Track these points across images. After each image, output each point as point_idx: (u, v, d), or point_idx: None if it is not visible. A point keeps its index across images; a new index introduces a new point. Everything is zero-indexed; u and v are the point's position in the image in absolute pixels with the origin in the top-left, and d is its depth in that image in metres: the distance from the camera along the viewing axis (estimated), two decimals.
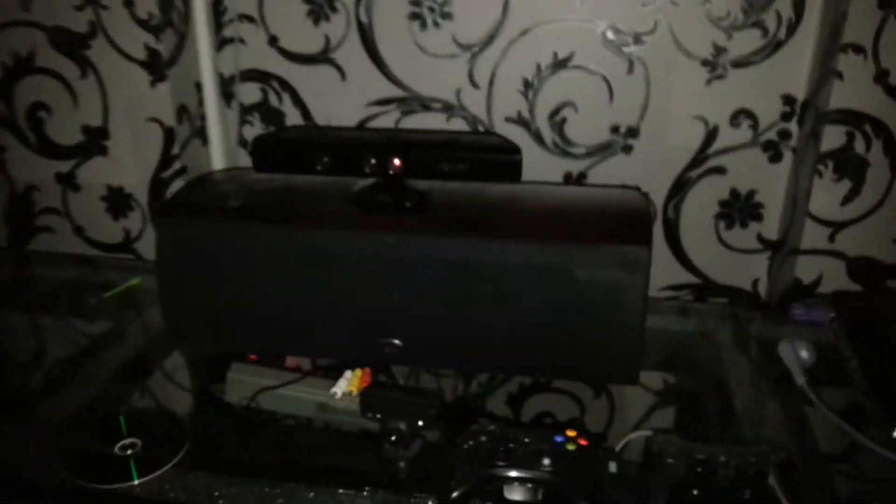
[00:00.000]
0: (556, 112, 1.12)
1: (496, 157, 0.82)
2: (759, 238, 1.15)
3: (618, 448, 0.76)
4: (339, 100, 1.16)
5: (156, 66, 1.12)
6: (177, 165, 1.18)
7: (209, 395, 0.93)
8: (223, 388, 0.94)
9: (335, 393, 0.87)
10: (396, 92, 1.14)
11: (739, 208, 1.14)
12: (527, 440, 0.70)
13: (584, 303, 0.79)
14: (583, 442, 0.70)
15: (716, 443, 0.77)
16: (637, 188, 0.91)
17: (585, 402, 0.88)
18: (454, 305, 0.82)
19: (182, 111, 1.15)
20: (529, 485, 0.68)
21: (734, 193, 1.13)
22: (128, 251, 1.28)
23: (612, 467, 0.71)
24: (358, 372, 0.91)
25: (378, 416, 0.77)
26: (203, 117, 1.18)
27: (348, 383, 0.89)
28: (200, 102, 1.17)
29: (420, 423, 0.75)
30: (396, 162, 0.82)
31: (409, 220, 0.83)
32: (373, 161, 0.82)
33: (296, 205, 0.87)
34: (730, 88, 1.07)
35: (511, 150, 0.83)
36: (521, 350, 0.83)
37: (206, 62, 1.15)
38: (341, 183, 0.90)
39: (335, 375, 0.90)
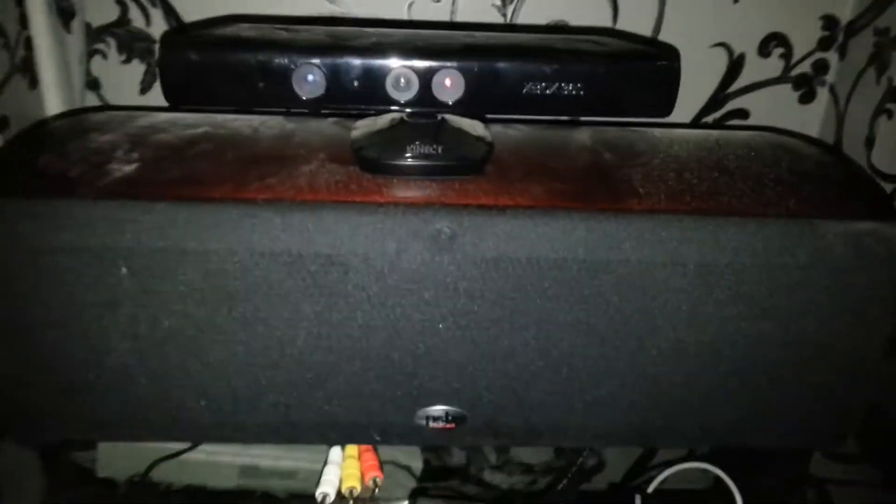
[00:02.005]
0: None
1: (642, 68, 0.50)
2: None
3: None
4: None
5: None
6: None
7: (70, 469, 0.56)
8: (94, 458, 0.58)
9: (325, 496, 0.53)
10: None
11: None
12: None
13: (785, 320, 0.51)
14: None
15: None
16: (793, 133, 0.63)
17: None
18: (558, 340, 0.51)
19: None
20: None
21: None
22: None
23: None
24: (352, 450, 0.58)
25: None
26: (29, 44, 0.78)
27: (344, 473, 0.55)
28: (23, 22, 0.77)
29: None
30: (448, 81, 0.49)
31: (472, 188, 0.51)
32: (403, 81, 0.48)
33: (243, 167, 0.51)
34: (761, 4, 0.84)
35: (661, 56, 0.51)
36: (666, 406, 0.54)
37: None
38: (324, 127, 0.56)
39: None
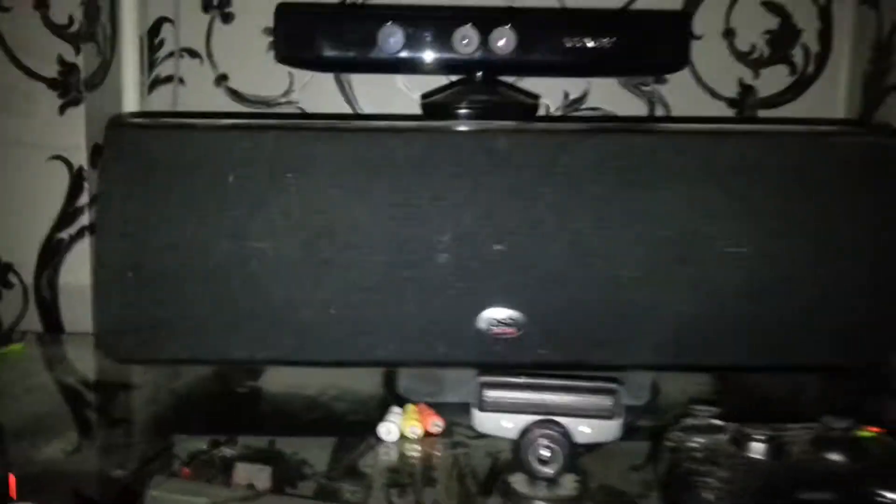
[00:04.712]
0: None
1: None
2: None
3: None
4: None
5: (69, 86, 0.84)
6: (83, 220, 0.86)
7: None
8: None
9: (390, 430, 0.56)
10: None
11: None
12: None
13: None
14: None
15: None
16: None
17: None
18: (612, 248, 0.56)
19: (98, 153, 0.87)
20: None
21: None
22: None
23: None
24: (411, 407, 0.59)
25: None
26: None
27: (405, 417, 0.58)
28: None
29: None
30: (503, 39, 0.58)
31: (526, 126, 0.58)
32: (465, 37, 0.57)
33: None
34: None
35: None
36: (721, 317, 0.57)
37: (131, 107, 0.90)
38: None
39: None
